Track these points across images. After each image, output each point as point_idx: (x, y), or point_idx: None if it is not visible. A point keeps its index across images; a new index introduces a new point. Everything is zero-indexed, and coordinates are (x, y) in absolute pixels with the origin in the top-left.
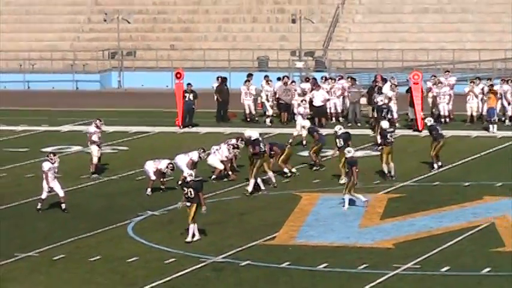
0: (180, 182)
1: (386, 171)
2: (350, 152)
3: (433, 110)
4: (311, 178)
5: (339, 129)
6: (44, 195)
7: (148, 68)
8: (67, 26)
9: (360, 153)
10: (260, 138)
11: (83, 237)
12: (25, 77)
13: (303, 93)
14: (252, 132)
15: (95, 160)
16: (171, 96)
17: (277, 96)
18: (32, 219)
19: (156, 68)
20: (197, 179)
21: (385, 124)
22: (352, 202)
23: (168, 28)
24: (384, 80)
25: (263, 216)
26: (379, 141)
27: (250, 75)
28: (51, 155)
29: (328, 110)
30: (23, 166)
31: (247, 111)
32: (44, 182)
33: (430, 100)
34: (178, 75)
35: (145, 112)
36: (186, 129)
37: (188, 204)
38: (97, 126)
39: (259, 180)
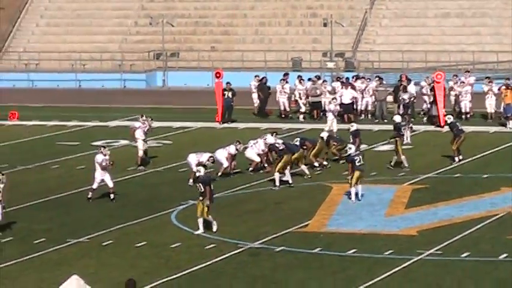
0: (191, 180)
1: (405, 163)
2: (351, 149)
3: (455, 107)
4: (341, 170)
5: (351, 126)
6: (95, 186)
7: (190, 68)
8: (115, 29)
9: (385, 147)
10: (276, 141)
11: (130, 225)
12: (77, 76)
13: (334, 91)
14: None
15: (141, 153)
16: (211, 94)
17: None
18: (82, 208)
19: (197, 68)
20: (206, 172)
21: (397, 118)
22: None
23: (209, 31)
24: (409, 80)
25: (296, 205)
26: (407, 136)
27: (286, 75)
28: (103, 148)
29: (359, 107)
30: (74, 158)
31: (282, 108)
32: (96, 173)
33: (452, 98)
34: (218, 75)
35: (188, 109)
36: (225, 125)
37: (201, 198)
38: (142, 122)
39: (287, 174)
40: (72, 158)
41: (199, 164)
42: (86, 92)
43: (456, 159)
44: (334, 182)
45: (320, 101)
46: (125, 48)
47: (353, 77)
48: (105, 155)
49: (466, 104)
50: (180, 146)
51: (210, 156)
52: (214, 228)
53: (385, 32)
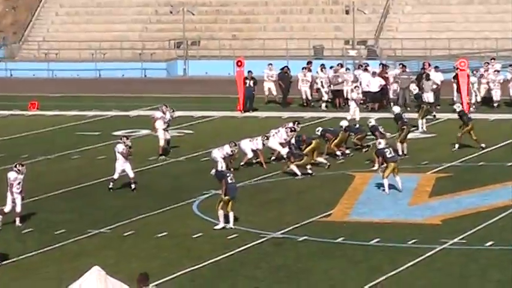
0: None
1: (399, 151)
2: (380, 144)
3: (481, 95)
4: (363, 159)
5: (369, 122)
6: (116, 176)
7: (211, 56)
8: (135, 18)
9: (410, 136)
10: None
11: (151, 215)
12: (96, 66)
13: (356, 79)
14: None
15: (162, 143)
16: (233, 83)
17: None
18: (103, 198)
19: (218, 56)
20: (220, 170)
21: (396, 109)
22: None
23: (230, 19)
24: (436, 67)
25: (319, 195)
26: (419, 125)
27: (309, 63)
28: (125, 138)
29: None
30: (95, 148)
31: (304, 97)
32: (117, 163)
33: (484, 86)
34: (239, 63)
35: (209, 98)
36: (247, 114)
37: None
38: (163, 112)
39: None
40: (92, 148)
41: (225, 158)
42: (106, 82)
43: (456, 146)
44: (356, 171)
45: (342, 90)
46: (145, 37)
47: (380, 65)
48: (126, 145)
49: (497, 92)
50: (202, 135)
51: (231, 142)
52: (230, 225)
53: (407, 19)
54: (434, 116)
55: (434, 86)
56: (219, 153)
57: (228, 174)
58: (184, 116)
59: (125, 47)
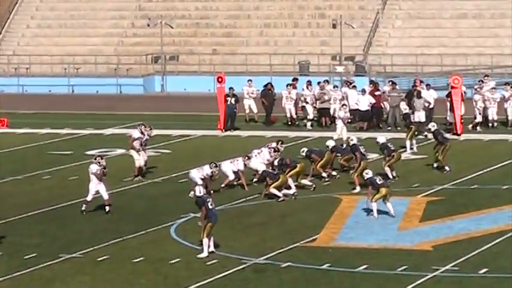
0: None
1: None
2: (368, 174)
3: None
4: (351, 181)
5: (350, 140)
6: (89, 198)
7: (190, 72)
8: (111, 31)
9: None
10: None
11: (127, 239)
12: (69, 81)
13: (343, 97)
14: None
15: (137, 164)
16: (213, 100)
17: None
18: (76, 221)
19: (198, 72)
20: (199, 195)
21: (381, 139)
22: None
23: (210, 33)
24: (427, 85)
25: (304, 218)
26: (407, 146)
27: (295, 80)
28: (99, 158)
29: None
30: (67, 169)
31: (288, 115)
32: (91, 184)
33: (480, 105)
34: (220, 80)
35: (188, 116)
36: (228, 133)
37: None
38: (141, 132)
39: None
40: (64, 168)
41: (204, 179)
42: (79, 98)
43: (447, 168)
44: (343, 194)
45: (328, 108)
46: (121, 51)
47: (371, 82)
48: (100, 165)
49: (493, 111)
50: (180, 155)
51: (212, 163)
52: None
53: (398, 34)
54: (426, 136)
55: (426, 104)
56: (198, 174)
57: (208, 200)
58: (161, 135)
59: (99, 61)
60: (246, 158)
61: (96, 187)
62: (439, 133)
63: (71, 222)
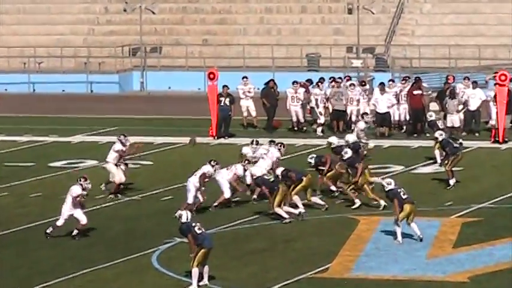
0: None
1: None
2: (390, 184)
3: None
4: (369, 199)
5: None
6: (60, 222)
7: (176, 67)
8: (80, 18)
9: (427, 169)
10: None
11: (99, 269)
12: (30, 78)
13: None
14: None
15: (117, 179)
16: (204, 100)
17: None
18: (39, 247)
19: (185, 67)
20: (184, 221)
21: (351, 137)
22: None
23: (200, 20)
24: (474, 83)
25: (313, 244)
26: (437, 157)
27: (308, 81)
28: (83, 179)
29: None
30: (27, 184)
31: (295, 119)
32: (64, 206)
33: None
34: (211, 76)
35: (173, 120)
36: (221, 140)
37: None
38: (122, 144)
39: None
40: (24, 183)
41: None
42: (42, 98)
43: (451, 182)
44: (361, 214)
45: (343, 110)
46: (91, 42)
47: (389, 81)
48: (84, 189)
49: None
50: (163, 167)
51: (212, 160)
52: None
53: (426, 21)
54: (461, 143)
55: (460, 107)
56: (195, 180)
57: (193, 225)
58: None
59: (66, 54)
60: (247, 162)
61: (70, 211)
62: (447, 143)
63: (31, 249)
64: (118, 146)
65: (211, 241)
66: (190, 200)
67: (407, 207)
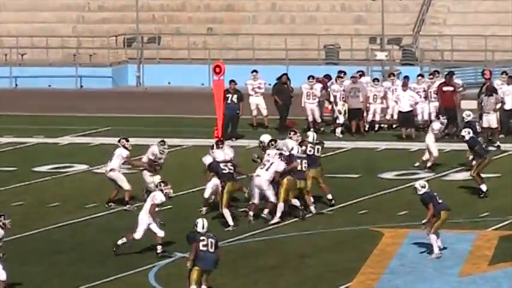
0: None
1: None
2: (424, 187)
3: None
4: (397, 208)
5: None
6: (138, 235)
7: (176, 59)
8: (68, 3)
9: (460, 176)
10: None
11: (89, 287)
12: (11, 71)
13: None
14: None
15: (127, 185)
16: (208, 97)
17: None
18: (21, 263)
19: (187, 59)
20: (192, 232)
21: (266, 138)
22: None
23: (204, 6)
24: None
25: (331, 260)
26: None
27: (327, 77)
28: (163, 184)
29: (420, 117)
30: (9, 191)
31: (311, 118)
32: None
33: None
34: (217, 70)
35: (173, 119)
36: (229, 142)
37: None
38: (127, 148)
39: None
40: (5, 190)
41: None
42: (25, 95)
43: (483, 188)
44: (385, 227)
45: (361, 108)
46: (81, 31)
47: (418, 76)
48: (165, 195)
49: None
50: (163, 172)
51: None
52: None
53: (460, 8)
54: (499, 146)
55: (498, 105)
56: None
57: (201, 239)
58: (137, 146)
59: (52, 44)
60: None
61: (149, 220)
62: (475, 142)
63: (15, 264)
64: (125, 152)
65: (212, 264)
66: (256, 200)
67: (444, 214)
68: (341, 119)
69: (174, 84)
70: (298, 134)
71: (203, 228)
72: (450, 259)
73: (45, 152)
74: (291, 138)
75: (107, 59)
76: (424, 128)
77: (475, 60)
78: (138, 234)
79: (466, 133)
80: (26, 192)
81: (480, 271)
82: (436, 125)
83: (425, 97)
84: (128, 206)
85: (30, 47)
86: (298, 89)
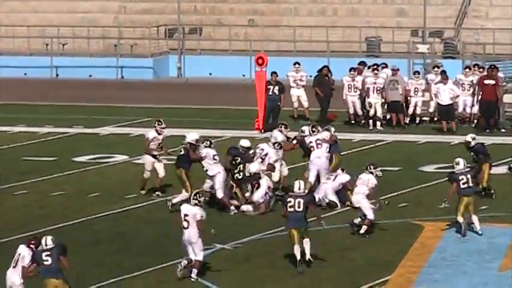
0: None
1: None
2: (458, 164)
3: None
4: (437, 202)
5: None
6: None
7: (218, 50)
8: None
9: (500, 170)
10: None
11: (129, 278)
12: (52, 61)
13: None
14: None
15: (147, 175)
16: (249, 89)
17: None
18: None
19: (228, 51)
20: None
21: (245, 143)
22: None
23: None
24: None
25: (371, 253)
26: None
27: (362, 64)
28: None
29: (461, 110)
30: (49, 180)
31: (352, 111)
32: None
33: None
34: (260, 61)
35: (214, 110)
36: (269, 134)
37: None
38: (157, 132)
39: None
40: (45, 179)
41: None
42: (65, 84)
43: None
44: (424, 220)
45: (399, 101)
46: (122, 21)
47: (465, 68)
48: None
49: None
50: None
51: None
52: None
53: (502, 1)
54: None
55: None
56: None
57: (288, 200)
58: (178, 136)
59: (93, 35)
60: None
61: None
62: (480, 149)
63: None
64: (151, 134)
65: (299, 222)
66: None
67: (464, 199)
68: (379, 112)
69: (215, 76)
70: (289, 129)
71: (299, 189)
72: (490, 253)
73: (85, 142)
74: (281, 131)
75: (148, 50)
76: (467, 121)
77: None
78: None
79: (472, 138)
80: (67, 182)
81: None
82: None
83: (473, 90)
84: (156, 193)
85: (72, 37)
86: (339, 82)
